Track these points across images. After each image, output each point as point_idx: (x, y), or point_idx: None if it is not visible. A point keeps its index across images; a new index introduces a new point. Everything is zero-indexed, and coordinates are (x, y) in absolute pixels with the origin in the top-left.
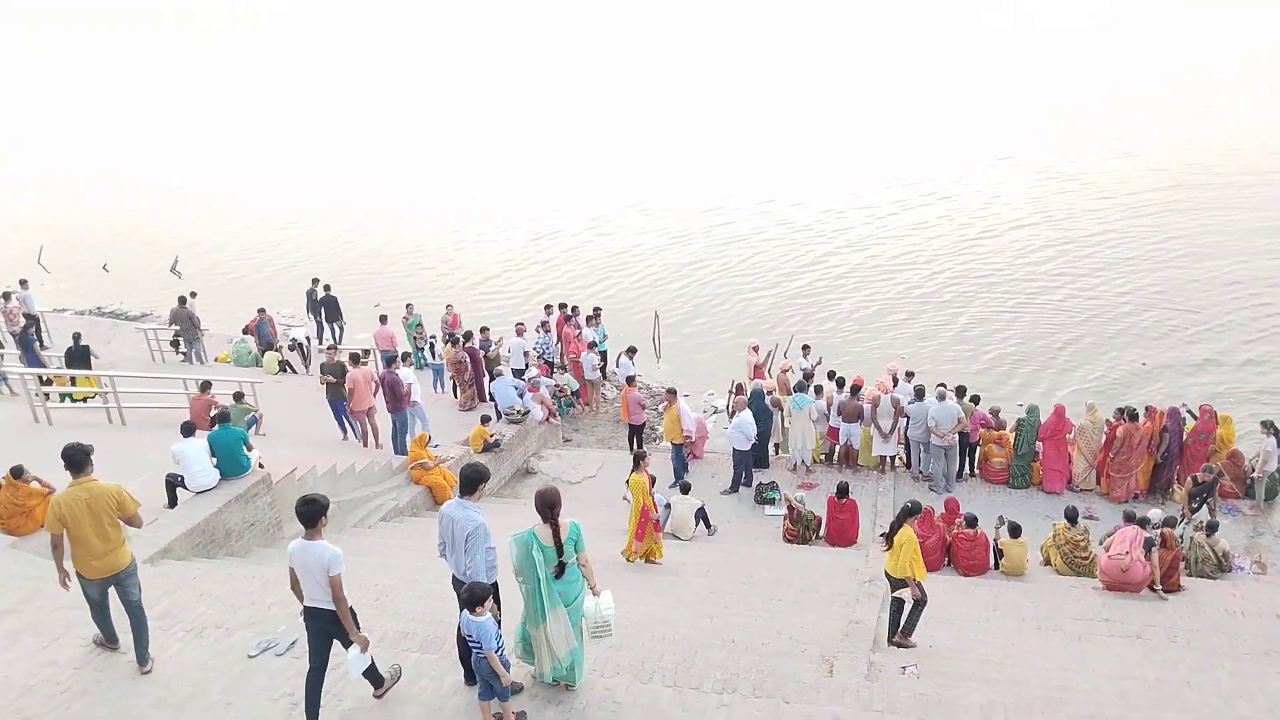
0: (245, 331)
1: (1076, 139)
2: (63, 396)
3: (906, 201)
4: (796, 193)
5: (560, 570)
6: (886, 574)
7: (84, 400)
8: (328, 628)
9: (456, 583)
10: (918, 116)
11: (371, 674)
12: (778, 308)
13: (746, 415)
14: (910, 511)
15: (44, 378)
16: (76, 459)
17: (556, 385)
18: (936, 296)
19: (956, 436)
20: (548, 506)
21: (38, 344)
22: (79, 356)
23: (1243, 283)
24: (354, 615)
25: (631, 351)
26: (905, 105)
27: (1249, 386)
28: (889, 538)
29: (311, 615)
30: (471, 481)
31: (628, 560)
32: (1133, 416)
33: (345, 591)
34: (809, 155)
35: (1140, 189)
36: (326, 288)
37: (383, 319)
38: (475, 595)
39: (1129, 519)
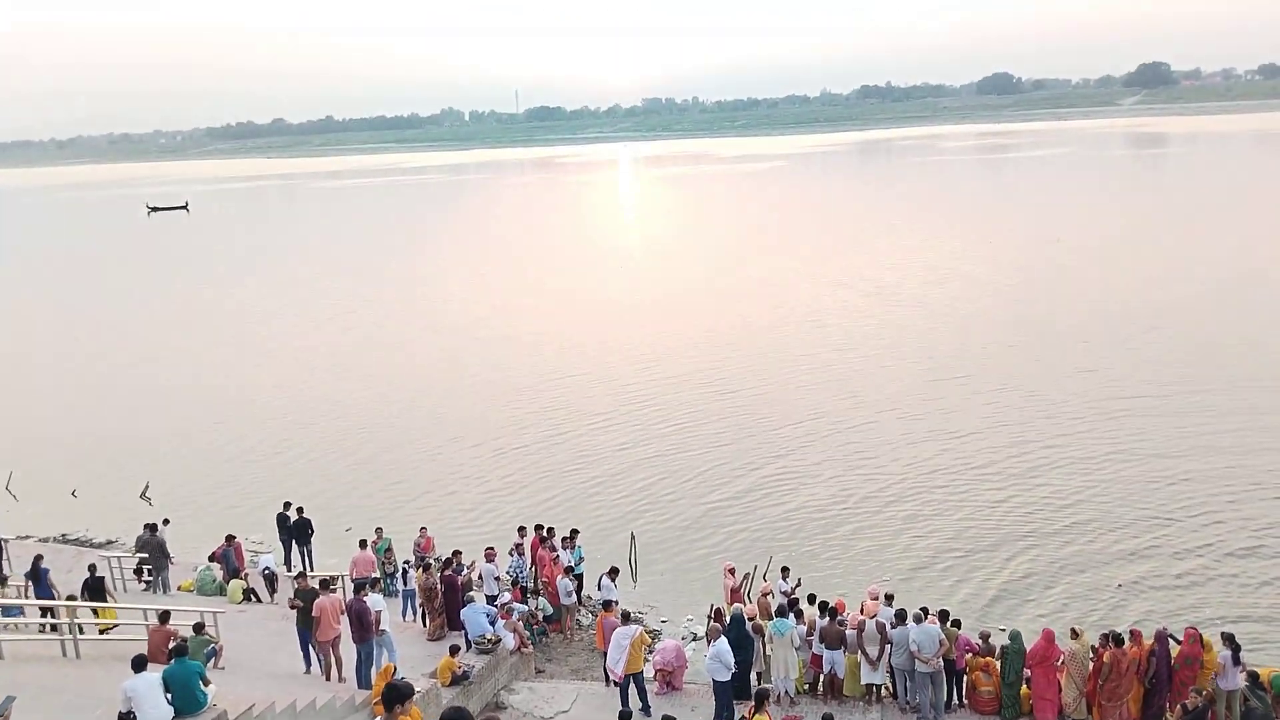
0: (211, 559)
1: (1035, 356)
2: (81, 629)
3: (864, 416)
4: (766, 405)
5: None
6: None
7: (102, 632)
8: None
9: None
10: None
11: None
12: (754, 526)
13: (723, 643)
14: None
15: (51, 611)
16: None
17: (530, 611)
18: (910, 515)
19: (942, 662)
20: None
21: (50, 575)
22: (95, 588)
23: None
24: None
25: (614, 573)
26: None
27: (1232, 605)
28: None
29: None
30: None
31: None
32: (1118, 641)
33: None
34: (777, 357)
35: (1098, 400)
36: (299, 511)
37: (362, 544)
38: None
39: None
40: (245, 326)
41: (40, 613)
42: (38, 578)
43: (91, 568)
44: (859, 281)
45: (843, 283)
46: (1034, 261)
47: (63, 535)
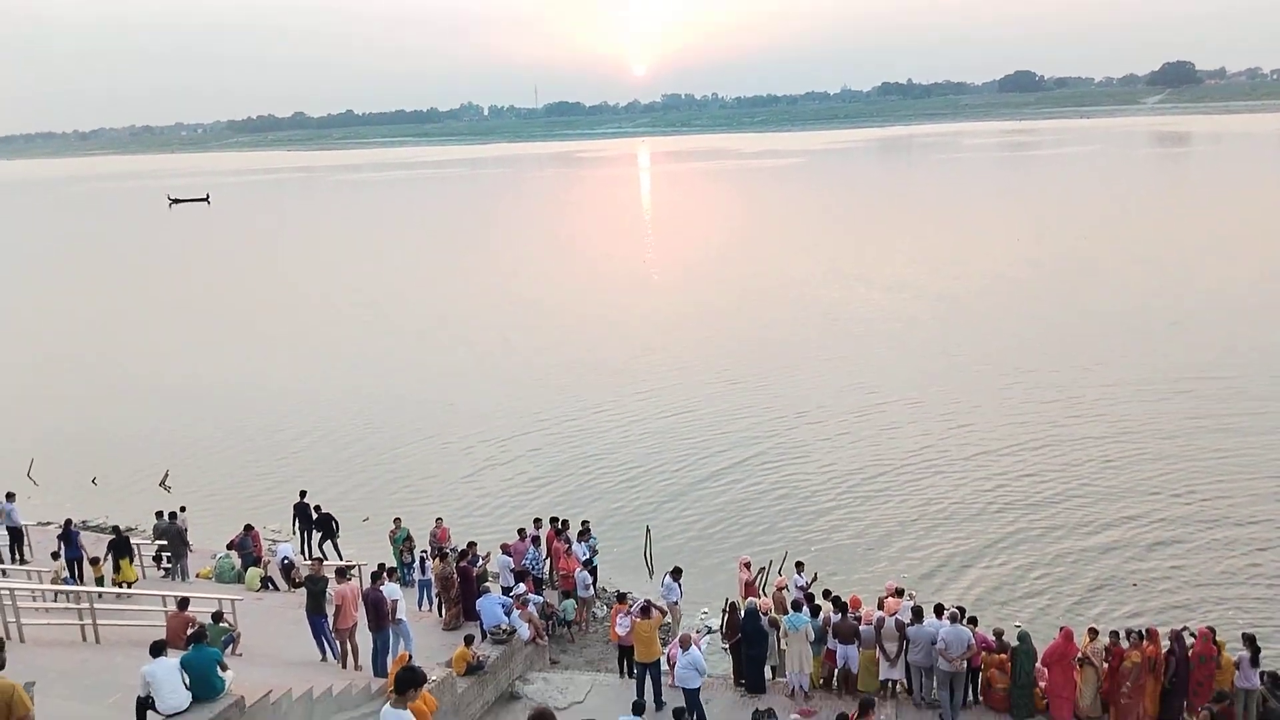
0: (229, 547)
1: (1058, 353)
2: (99, 580)
3: (880, 412)
4: (780, 398)
5: None
6: None
7: (126, 585)
8: None
9: None
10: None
11: None
12: (770, 521)
13: (696, 653)
14: None
15: (82, 571)
16: None
17: (545, 603)
18: (924, 511)
19: (965, 664)
20: None
21: (80, 537)
22: (123, 545)
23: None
24: None
25: (676, 573)
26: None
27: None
28: None
29: None
30: None
31: None
32: (1139, 638)
33: None
34: (793, 350)
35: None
36: (318, 508)
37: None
38: None
39: None
40: (266, 317)
41: (70, 576)
42: (69, 539)
43: (115, 529)
44: (880, 277)
45: (863, 278)
46: (1060, 257)
47: (83, 523)
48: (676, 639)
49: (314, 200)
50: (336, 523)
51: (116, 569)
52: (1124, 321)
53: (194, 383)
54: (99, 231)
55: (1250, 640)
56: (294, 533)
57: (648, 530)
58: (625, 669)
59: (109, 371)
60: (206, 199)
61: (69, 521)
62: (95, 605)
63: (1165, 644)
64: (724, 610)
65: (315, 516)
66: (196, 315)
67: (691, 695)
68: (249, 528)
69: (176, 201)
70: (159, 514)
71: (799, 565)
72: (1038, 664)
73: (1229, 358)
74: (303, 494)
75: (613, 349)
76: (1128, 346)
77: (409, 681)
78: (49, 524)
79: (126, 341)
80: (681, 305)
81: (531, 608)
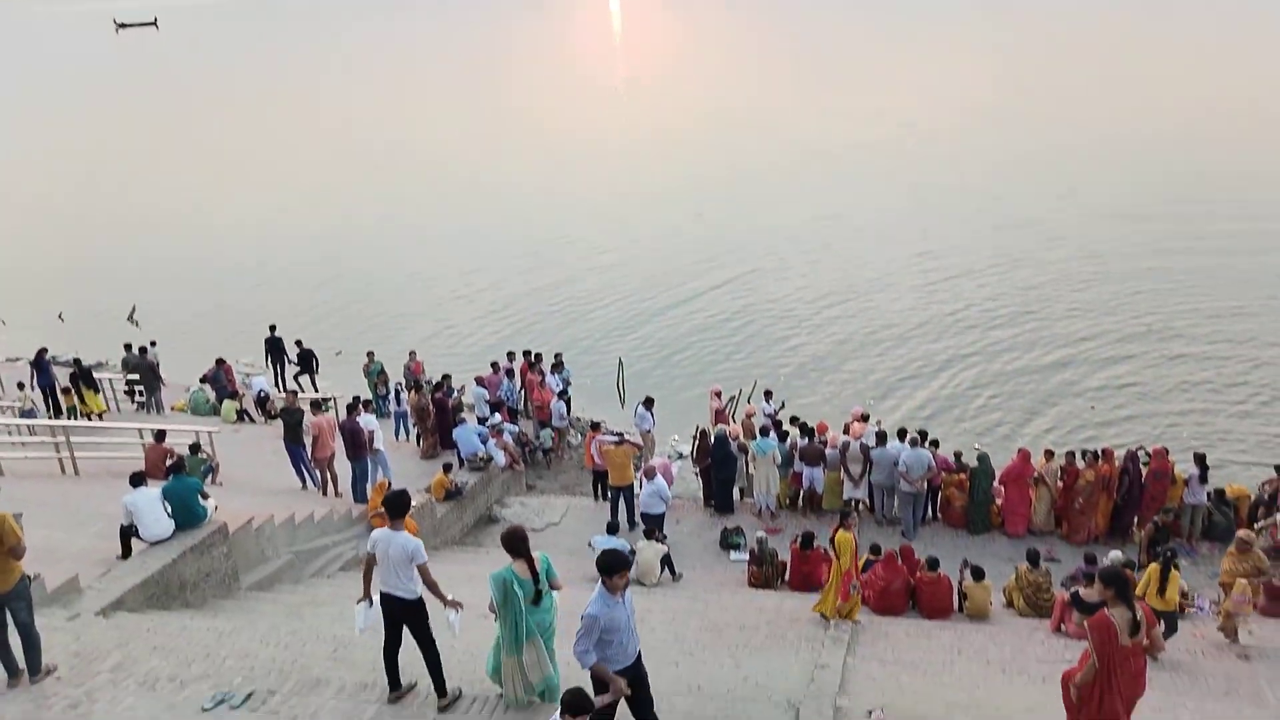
0: (203, 380)
1: (1029, 180)
2: (70, 411)
3: (845, 243)
4: (748, 226)
5: (538, 597)
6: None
7: (99, 415)
8: (399, 614)
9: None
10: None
11: (438, 679)
12: (740, 352)
13: (660, 481)
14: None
15: (56, 399)
16: None
17: (521, 432)
18: (884, 338)
19: (926, 485)
20: (520, 541)
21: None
22: (85, 377)
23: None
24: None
25: (649, 403)
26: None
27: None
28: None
29: (385, 600)
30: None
31: (825, 617)
32: (1093, 458)
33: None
34: (762, 179)
35: (1091, 231)
36: (299, 343)
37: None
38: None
39: (1089, 561)
40: (231, 147)
41: (46, 408)
42: (41, 367)
43: (77, 361)
44: (853, 106)
45: (835, 108)
46: (1036, 87)
47: (52, 358)
48: (643, 469)
49: (272, 26)
50: (317, 360)
51: (81, 400)
52: (1099, 150)
53: (157, 215)
54: (46, 61)
55: (1200, 459)
56: (267, 366)
57: (620, 361)
58: (599, 493)
59: (71, 205)
60: (154, 23)
61: (43, 350)
62: (72, 438)
63: (1119, 463)
64: (694, 437)
65: (298, 352)
66: (159, 145)
67: (655, 520)
68: (221, 361)
69: (124, 26)
70: (127, 347)
71: (767, 394)
72: (995, 483)
73: (1197, 184)
74: (273, 328)
75: (581, 179)
76: (1099, 174)
77: (403, 505)
78: (17, 359)
79: (87, 174)
80: (651, 133)
81: (507, 436)
